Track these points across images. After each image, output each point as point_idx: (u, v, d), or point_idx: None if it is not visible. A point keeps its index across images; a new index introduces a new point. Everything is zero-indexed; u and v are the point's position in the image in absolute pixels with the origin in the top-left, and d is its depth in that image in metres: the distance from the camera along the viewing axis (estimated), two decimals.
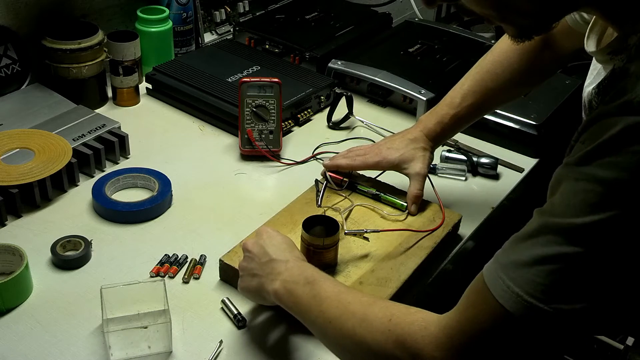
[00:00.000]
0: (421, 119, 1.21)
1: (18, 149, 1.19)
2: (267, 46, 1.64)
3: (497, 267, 0.69)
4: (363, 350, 0.79)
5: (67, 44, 1.35)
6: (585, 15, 0.97)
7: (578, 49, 1.13)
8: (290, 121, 1.42)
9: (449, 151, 1.36)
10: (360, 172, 1.22)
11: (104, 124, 1.29)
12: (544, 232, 0.67)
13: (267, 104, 1.30)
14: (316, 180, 1.20)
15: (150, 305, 0.96)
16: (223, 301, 1.00)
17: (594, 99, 0.80)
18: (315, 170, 1.27)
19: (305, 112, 1.46)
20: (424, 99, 1.44)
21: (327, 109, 1.47)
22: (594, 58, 0.83)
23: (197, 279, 1.05)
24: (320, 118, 1.48)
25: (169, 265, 1.05)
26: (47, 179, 1.16)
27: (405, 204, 1.15)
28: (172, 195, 1.20)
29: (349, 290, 0.86)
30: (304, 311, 0.86)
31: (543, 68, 1.18)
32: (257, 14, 1.78)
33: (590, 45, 0.83)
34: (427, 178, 1.16)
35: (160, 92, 1.50)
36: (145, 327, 0.91)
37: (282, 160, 1.33)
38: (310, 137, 1.41)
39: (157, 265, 1.06)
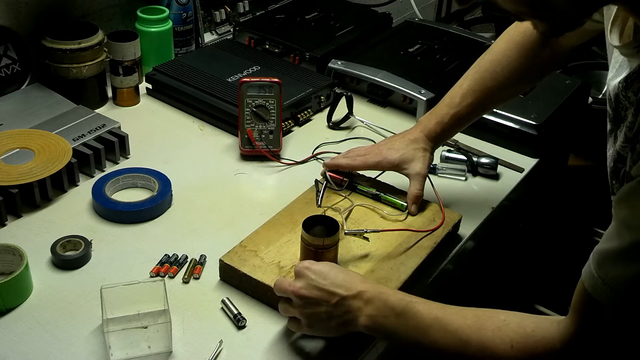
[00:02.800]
0: (421, 120, 1.21)
1: (18, 149, 1.19)
2: (267, 46, 1.64)
3: (608, 288, 0.72)
4: None
5: (67, 44, 1.35)
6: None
7: (577, 47, 1.14)
8: (290, 121, 1.42)
9: (449, 151, 1.36)
10: (360, 172, 1.22)
11: (104, 124, 1.29)
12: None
13: (267, 104, 1.30)
14: (316, 180, 1.20)
15: (150, 305, 0.96)
16: (223, 301, 1.00)
17: (621, 92, 0.80)
18: (315, 170, 1.27)
19: (305, 112, 1.46)
20: (424, 99, 1.44)
21: (327, 109, 1.47)
22: (614, 52, 0.83)
23: (197, 279, 1.05)
24: (320, 118, 1.48)
25: (169, 265, 1.05)
26: (47, 179, 1.16)
27: (405, 204, 1.15)
28: (172, 195, 1.20)
29: (444, 310, 0.86)
30: (408, 343, 0.87)
31: (542, 66, 1.18)
32: (257, 14, 1.78)
33: (613, 40, 0.82)
34: (427, 178, 1.16)
35: (160, 92, 1.50)
36: (145, 327, 0.91)
37: (282, 160, 1.33)
38: (310, 137, 1.41)
39: (157, 265, 1.06)
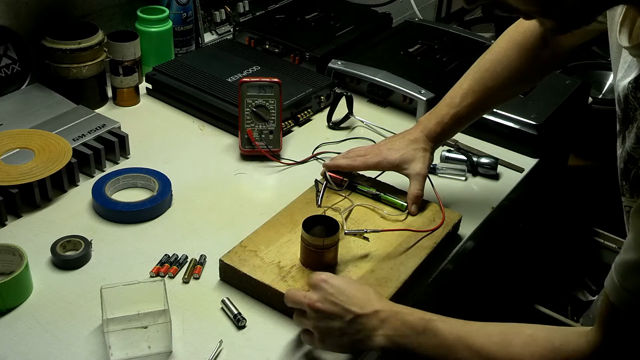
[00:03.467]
0: (421, 120, 1.21)
1: (18, 149, 1.19)
2: (267, 46, 1.64)
3: (636, 298, 0.73)
4: None
5: (67, 44, 1.35)
6: None
7: (577, 46, 1.14)
8: (290, 121, 1.42)
9: (449, 151, 1.36)
10: (360, 172, 1.22)
11: (104, 124, 1.29)
12: None
13: (267, 104, 1.30)
14: (316, 180, 1.20)
15: (150, 305, 0.96)
16: (223, 301, 1.00)
17: (630, 93, 0.80)
18: (315, 170, 1.27)
19: (305, 112, 1.46)
20: (424, 99, 1.44)
21: (327, 109, 1.47)
22: (623, 52, 0.83)
23: (197, 279, 1.05)
24: (320, 118, 1.48)
25: (169, 265, 1.05)
26: (47, 179, 1.16)
27: (405, 204, 1.15)
28: (172, 195, 1.20)
29: (466, 328, 0.85)
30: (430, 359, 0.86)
31: (542, 66, 1.18)
32: (257, 14, 1.78)
33: (623, 40, 0.82)
34: (427, 178, 1.16)
35: (160, 92, 1.50)
36: (145, 327, 0.91)
37: (282, 160, 1.33)
38: (310, 137, 1.41)
39: (157, 265, 1.06)
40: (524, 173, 1.36)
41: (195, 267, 1.06)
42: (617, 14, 0.85)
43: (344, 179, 1.19)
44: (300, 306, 0.91)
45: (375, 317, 0.87)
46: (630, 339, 0.77)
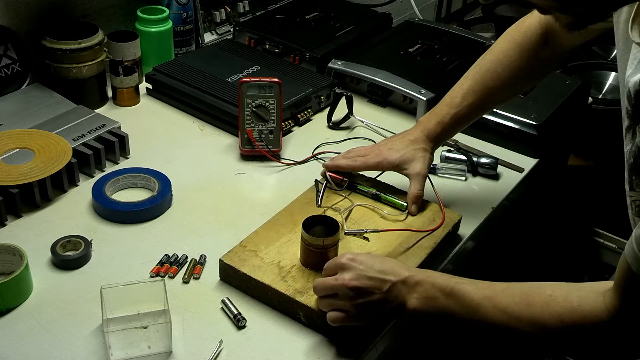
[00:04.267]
0: (421, 120, 1.21)
1: (18, 149, 1.19)
2: (267, 46, 1.64)
3: None
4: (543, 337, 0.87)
5: (67, 44, 1.35)
6: None
7: (578, 46, 1.14)
8: (290, 121, 1.42)
9: (449, 151, 1.36)
10: (360, 172, 1.22)
11: (104, 124, 1.29)
12: None
13: (267, 104, 1.30)
14: (316, 181, 1.20)
15: (150, 305, 0.96)
16: (223, 301, 1.00)
17: None
18: (315, 170, 1.27)
19: (305, 112, 1.46)
20: (424, 99, 1.44)
21: (327, 109, 1.47)
22: (633, 48, 0.84)
23: (197, 279, 1.05)
24: (320, 118, 1.48)
25: (169, 265, 1.05)
26: (47, 179, 1.16)
27: (405, 204, 1.15)
28: (172, 195, 1.20)
29: (491, 289, 0.89)
30: (458, 321, 0.91)
31: (543, 66, 1.18)
32: (257, 14, 1.78)
33: (634, 36, 0.83)
34: (427, 178, 1.16)
35: (160, 92, 1.50)
36: (145, 327, 0.91)
37: (282, 160, 1.33)
38: (310, 137, 1.41)
39: (157, 265, 1.06)
40: (524, 173, 1.36)
41: (195, 267, 1.06)
42: (624, 10, 0.85)
43: (344, 179, 1.19)
44: (334, 290, 0.92)
45: (408, 282, 0.92)
46: None
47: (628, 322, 0.82)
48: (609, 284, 0.84)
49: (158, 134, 1.39)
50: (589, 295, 0.84)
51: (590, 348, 0.86)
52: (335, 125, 1.46)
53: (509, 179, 1.34)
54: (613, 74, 2.25)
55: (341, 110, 1.46)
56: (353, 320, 0.93)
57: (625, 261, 0.79)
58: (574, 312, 0.84)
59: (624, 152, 0.90)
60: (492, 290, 0.89)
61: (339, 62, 1.56)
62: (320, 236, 1.00)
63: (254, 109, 1.30)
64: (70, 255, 1.06)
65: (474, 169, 1.34)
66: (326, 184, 1.18)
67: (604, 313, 0.82)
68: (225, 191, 1.25)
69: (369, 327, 0.96)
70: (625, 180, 0.90)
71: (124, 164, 1.28)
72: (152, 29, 1.52)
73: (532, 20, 1.15)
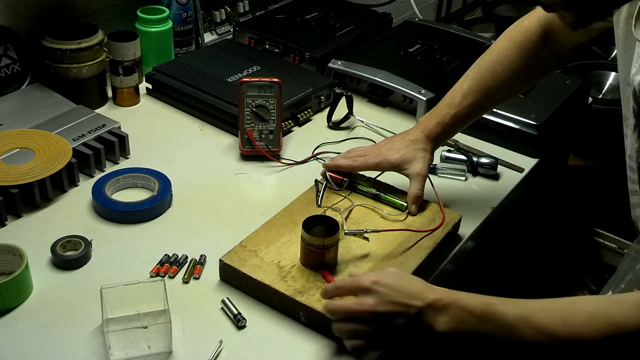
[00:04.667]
0: (421, 120, 1.21)
1: (18, 149, 1.19)
2: (267, 46, 1.64)
3: None
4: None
5: (67, 44, 1.35)
6: None
7: (577, 45, 1.14)
8: (290, 121, 1.42)
9: (449, 151, 1.36)
10: (360, 172, 1.22)
11: (104, 124, 1.29)
12: None
13: (267, 104, 1.30)
14: (316, 180, 1.20)
15: (150, 305, 0.96)
16: (223, 301, 1.00)
17: None
18: (315, 170, 1.27)
19: (305, 112, 1.46)
20: (424, 99, 1.44)
21: (327, 109, 1.47)
22: (637, 46, 0.84)
23: (197, 279, 1.05)
24: (320, 118, 1.48)
25: (169, 265, 1.05)
26: (47, 179, 1.16)
27: (405, 204, 1.15)
28: (172, 195, 1.20)
29: (526, 307, 0.85)
30: (492, 343, 0.86)
31: (543, 65, 1.18)
32: (257, 14, 1.78)
33: (639, 34, 0.83)
34: (427, 178, 1.16)
35: (160, 92, 1.50)
36: (145, 327, 0.91)
37: (282, 160, 1.33)
38: (310, 137, 1.41)
39: (157, 265, 1.06)
40: (524, 173, 1.36)
41: (195, 267, 1.06)
42: (624, 9, 0.85)
43: (344, 179, 1.19)
44: (356, 315, 0.87)
45: (435, 306, 0.86)
46: None
47: None
48: None
49: (158, 134, 1.39)
50: (630, 310, 0.82)
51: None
52: (335, 125, 1.46)
53: (509, 179, 1.34)
54: (613, 74, 2.25)
55: (341, 110, 1.46)
56: (376, 347, 0.89)
57: None
58: (617, 328, 0.81)
59: (626, 152, 0.90)
60: (527, 309, 0.85)
61: (339, 62, 1.56)
62: (320, 236, 1.00)
63: (254, 109, 1.30)
64: (70, 255, 1.06)
65: (474, 169, 1.34)
66: (326, 184, 1.18)
67: None
68: (225, 191, 1.25)
69: None
70: (628, 179, 0.90)
71: (124, 164, 1.28)
72: (152, 29, 1.52)
73: (532, 20, 1.16)
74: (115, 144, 1.27)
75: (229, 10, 1.74)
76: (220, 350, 0.93)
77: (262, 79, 1.30)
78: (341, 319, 0.89)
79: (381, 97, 1.53)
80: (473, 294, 0.88)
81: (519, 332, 0.83)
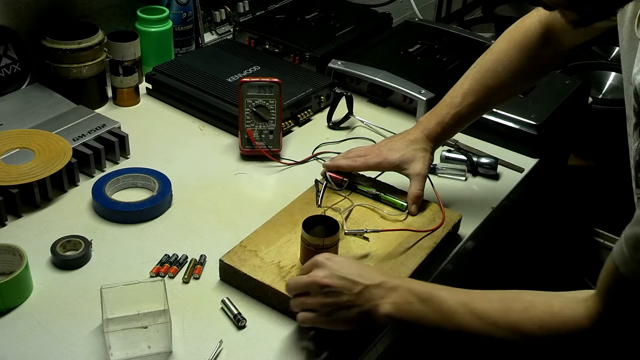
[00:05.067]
0: (421, 120, 1.21)
1: (18, 149, 1.19)
2: (267, 46, 1.64)
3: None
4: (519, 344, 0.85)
5: (67, 44, 1.35)
6: None
7: (578, 45, 1.14)
8: (290, 121, 1.42)
9: (449, 151, 1.36)
10: (360, 172, 1.22)
11: (104, 124, 1.29)
12: None
13: (267, 104, 1.30)
14: (316, 180, 1.20)
15: (150, 305, 0.96)
16: (223, 301, 1.00)
17: None
18: (315, 170, 1.27)
19: (305, 112, 1.46)
20: (424, 99, 1.44)
21: (327, 109, 1.47)
22: (639, 46, 0.84)
23: (197, 279, 1.05)
24: (320, 118, 1.48)
25: (169, 265, 1.05)
26: (47, 179, 1.16)
27: (405, 204, 1.15)
28: (172, 195, 1.20)
29: (468, 295, 0.87)
30: (433, 327, 0.88)
31: (543, 65, 1.18)
32: (257, 14, 1.78)
33: None
34: (427, 178, 1.16)
35: (160, 92, 1.50)
36: (145, 327, 0.91)
37: (282, 160, 1.33)
38: (310, 137, 1.41)
39: (157, 265, 1.06)
40: (524, 173, 1.36)
41: (195, 267, 1.06)
42: (628, 9, 0.85)
43: (344, 179, 1.19)
44: (305, 288, 0.91)
45: (382, 287, 0.89)
46: (632, 310, 0.78)
47: (610, 328, 0.81)
48: (590, 292, 0.83)
49: (158, 134, 1.39)
50: (570, 302, 0.83)
51: (569, 354, 0.84)
52: (335, 125, 1.46)
53: (509, 179, 1.34)
54: (613, 74, 2.25)
55: (341, 110, 1.46)
56: (323, 321, 0.90)
57: (613, 264, 0.78)
58: (555, 317, 0.82)
59: (630, 151, 0.90)
60: (468, 296, 0.87)
61: (339, 62, 1.56)
62: (320, 236, 1.00)
63: (254, 109, 1.30)
64: (70, 255, 1.06)
65: (474, 169, 1.34)
66: (326, 184, 1.18)
67: (586, 319, 0.80)
68: (225, 191, 1.25)
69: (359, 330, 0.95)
70: (632, 178, 0.90)
71: (124, 164, 1.28)
72: (152, 29, 1.52)
73: (532, 20, 1.15)
74: (115, 144, 1.27)
75: (229, 10, 1.74)
76: (220, 350, 0.93)
77: (262, 79, 1.30)
78: (296, 294, 0.93)
79: (381, 97, 1.53)
80: (422, 281, 0.91)
81: (458, 316, 0.85)
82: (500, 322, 0.84)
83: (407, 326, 0.90)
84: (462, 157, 1.34)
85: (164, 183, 1.20)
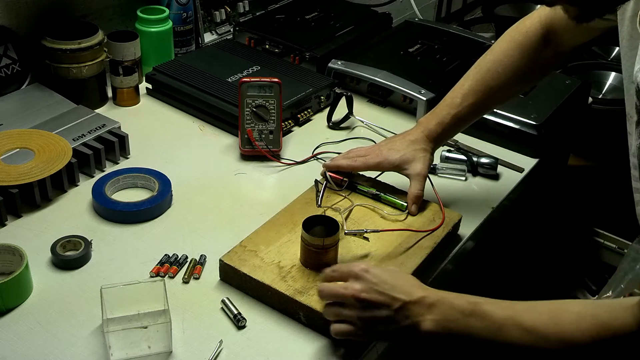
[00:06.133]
0: (421, 121, 1.21)
1: (18, 149, 1.19)
2: (267, 46, 1.64)
3: None
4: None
5: (67, 44, 1.35)
6: None
7: (578, 45, 1.14)
8: (290, 121, 1.42)
9: (449, 151, 1.36)
10: (360, 172, 1.22)
11: (104, 124, 1.29)
12: None
13: (267, 104, 1.30)
14: (316, 181, 1.20)
15: (150, 305, 0.96)
16: (223, 301, 1.00)
17: None
18: (315, 170, 1.27)
19: (305, 112, 1.46)
20: (424, 99, 1.44)
21: (327, 109, 1.47)
22: None
23: (197, 279, 1.05)
24: (320, 118, 1.48)
25: (169, 265, 1.05)
26: (47, 179, 1.16)
27: (405, 204, 1.15)
28: (172, 195, 1.20)
29: (514, 308, 0.86)
30: (480, 343, 0.86)
31: (544, 66, 1.18)
32: (257, 14, 1.78)
33: None
34: (427, 178, 1.16)
35: (160, 92, 1.50)
36: (145, 327, 0.91)
37: (282, 160, 1.33)
38: (310, 137, 1.41)
39: (157, 265, 1.06)
40: (524, 173, 1.36)
41: (195, 267, 1.06)
42: (629, 7, 0.85)
43: (344, 179, 1.19)
44: (341, 298, 0.89)
45: (422, 303, 0.87)
46: None
47: None
48: (635, 299, 0.82)
49: (158, 134, 1.39)
50: (617, 310, 0.82)
51: None
52: (335, 125, 1.46)
53: (509, 179, 1.34)
54: (613, 74, 2.25)
55: (341, 110, 1.46)
56: (358, 334, 0.89)
57: None
58: (605, 327, 0.82)
59: (630, 149, 0.90)
60: (515, 309, 0.86)
61: (339, 62, 1.56)
62: (320, 236, 1.00)
63: (254, 109, 1.30)
64: (70, 255, 1.06)
65: (474, 169, 1.34)
66: (326, 184, 1.18)
67: (634, 325, 0.80)
68: (225, 191, 1.25)
69: None
70: (632, 177, 0.90)
71: (124, 164, 1.28)
72: (152, 29, 1.52)
73: (533, 21, 1.16)
74: (115, 144, 1.27)
75: (229, 10, 1.74)
76: (220, 350, 0.93)
77: (262, 79, 1.30)
78: (330, 303, 0.91)
79: (381, 97, 1.53)
80: (462, 294, 0.89)
81: (506, 331, 0.84)
82: (551, 337, 0.83)
83: (450, 342, 0.88)
84: (462, 157, 1.34)
85: (164, 183, 1.20)
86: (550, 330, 0.83)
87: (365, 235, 1.08)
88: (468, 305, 0.86)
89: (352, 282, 0.89)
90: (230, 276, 1.03)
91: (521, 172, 1.36)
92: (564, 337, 0.83)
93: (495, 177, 1.34)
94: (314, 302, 0.96)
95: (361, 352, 0.96)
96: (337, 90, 1.46)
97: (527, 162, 1.39)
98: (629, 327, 0.80)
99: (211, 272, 1.05)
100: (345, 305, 0.89)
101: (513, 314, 0.85)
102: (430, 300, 0.87)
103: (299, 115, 1.44)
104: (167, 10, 1.54)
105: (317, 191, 1.17)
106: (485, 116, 1.37)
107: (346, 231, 1.08)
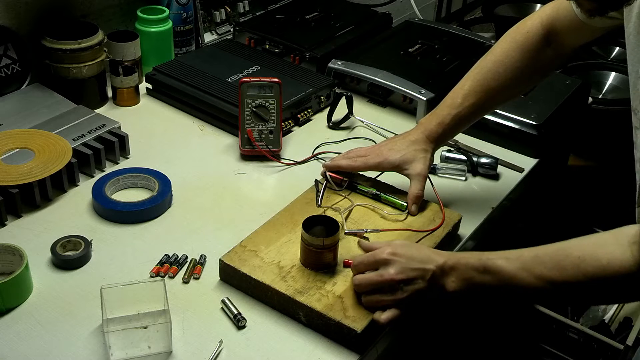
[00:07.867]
0: (422, 121, 1.21)
1: (18, 149, 1.19)
2: (267, 46, 1.64)
3: None
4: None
5: (67, 44, 1.35)
6: None
7: (579, 46, 1.14)
8: (290, 121, 1.42)
9: (449, 151, 1.36)
10: (360, 172, 1.22)
11: (104, 124, 1.29)
12: None
13: (267, 104, 1.30)
14: (316, 181, 1.20)
15: (150, 305, 0.97)
16: (223, 301, 1.00)
17: None
18: (315, 170, 1.27)
19: (305, 112, 1.46)
20: (424, 99, 1.44)
21: (327, 109, 1.47)
22: None
23: (197, 279, 1.05)
24: (320, 118, 1.48)
25: (169, 265, 1.05)
26: (47, 179, 1.16)
27: (406, 204, 1.15)
28: (172, 195, 1.20)
29: (521, 259, 0.92)
30: (496, 293, 0.95)
31: (544, 66, 1.18)
32: (257, 14, 1.78)
33: None
34: (427, 179, 1.16)
35: (160, 92, 1.50)
36: (145, 327, 0.91)
37: (282, 160, 1.33)
38: (310, 137, 1.41)
39: (157, 265, 1.06)
40: (524, 173, 1.36)
41: (195, 267, 1.06)
42: (636, 5, 0.86)
43: (344, 179, 1.19)
44: (381, 285, 0.95)
45: (445, 268, 0.95)
46: None
47: None
48: (631, 231, 0.86)
49: (158, 134, 1.39)
50: (616, 251, 0.87)
51: (621, 299, 0.92)
52: (335, 125, 1.46)
53: (509, 179, 1.34)
54: (613, 74, 2.25)
55: (341, 110, 1.46)
56: (405, 313, 0.96)
57: None
58: (605, 270, 0.87)
59: (635, 143, 0.90)
60: (523, 262, 0.92)
61: (339, 62, 1.56)
62: (320, 236, 1.00)
63: (254, 109, 1.30)
64: (70, 255, 1.06)
65: (474, 169, 1.34)
66: (326, 184, 1.18)
67: (634, 265, 0.85)
68: (225, 191, 1.25)
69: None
70: (636, 172, 0.91)
71: (124, 164, 1.28)
72: (152, 29, 1.52)
73: (534, 21, 1.16)
74: (115, 144, 1.27)
75: (229, 10, 1.74)
76: (220, 350, 0.93)
77: (262, 79, 1.30)
78: (367, 292, 0.96)
79: (381, 97, 1.53)
80: (473, 252, 0.97)
81: (518, 281, 0.92)
82: (557, 281, 0.89)
83: (472, 297, 0.97)
84: (462, 157, 1.34)
85: (164, 183, 1.20)
86: (556, 276, 0.89)
87: (365, 235, 1.08)
88: (479, 262, 0.94)
89: (384, 269, 0.96)
90: (230, 276, 1.03)
91: (521, 172, 1.36)
92: (568, 282, 0.89)
93: (495, 177, 1.34)
94: (314, 302, 0.96)
95: (361, 352, 0.96)
96: (337, 90, 1.46)
97: (527, 162, 1.39)
98: (628, 267, 0.85)
99: (211, 272, 1.05)
100: (383, 290, 0.95)
101: (522, 265, 0.92)
102: (450, 263, 0.95)
103: (299, 115, 1.44)
104: (167, 10, 1.54)
105: (317, 191, 1.17)
106: (485, 116, 1.37)
107: (346, 231, 1.08)
